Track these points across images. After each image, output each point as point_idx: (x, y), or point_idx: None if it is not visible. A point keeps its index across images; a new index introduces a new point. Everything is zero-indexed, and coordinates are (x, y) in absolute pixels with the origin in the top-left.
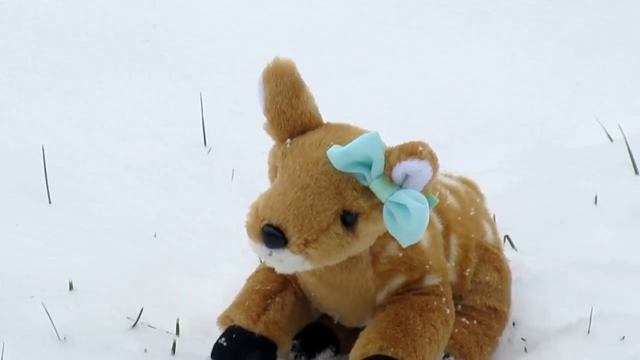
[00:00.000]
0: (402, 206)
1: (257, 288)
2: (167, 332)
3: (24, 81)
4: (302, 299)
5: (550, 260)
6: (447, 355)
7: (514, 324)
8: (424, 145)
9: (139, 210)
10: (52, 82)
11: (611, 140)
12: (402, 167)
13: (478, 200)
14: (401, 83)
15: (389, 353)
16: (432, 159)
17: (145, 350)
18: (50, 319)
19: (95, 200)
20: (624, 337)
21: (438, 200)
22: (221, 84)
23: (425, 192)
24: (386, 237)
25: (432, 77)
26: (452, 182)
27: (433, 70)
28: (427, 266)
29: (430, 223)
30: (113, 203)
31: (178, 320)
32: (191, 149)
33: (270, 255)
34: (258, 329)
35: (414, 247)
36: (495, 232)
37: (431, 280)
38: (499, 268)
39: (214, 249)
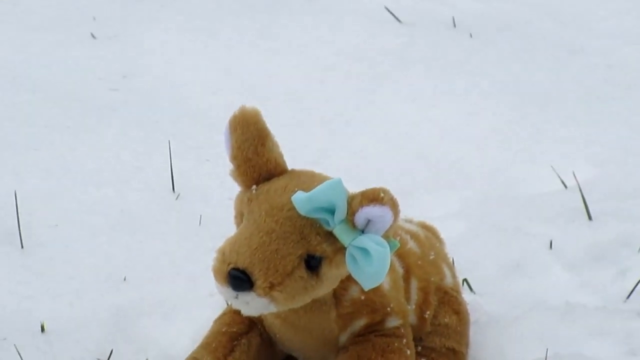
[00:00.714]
0: (364, 250)
1: (223, 330)
2: None
3: None
4: (268, 340)
5: (507, 303)
6: None
7: None
8: (385, 191)
9: (109, 255)
10: (24, 130)
11: (565, 187)
12: (364, 213)
13: (438, 244)
14: (365, 132)
15: None
16: (393, 205)
17: None
18: None
19: (67, 245)
20: None
21: (399, 245)
22: (189, 132)
23: (386, 236)
24: (349, 280)
25: (395, 127)
26: (413, 227)
27: (396, 120)
28: (388, 309)
29: (391, 267)
30: (84, 248)
31: None
32: (160, 195)
33: (236, 298)
34: None
35: (376, 290)
36: (454, 276)
37: (392, 322)
38: (458, 310)
39: (182, 292)
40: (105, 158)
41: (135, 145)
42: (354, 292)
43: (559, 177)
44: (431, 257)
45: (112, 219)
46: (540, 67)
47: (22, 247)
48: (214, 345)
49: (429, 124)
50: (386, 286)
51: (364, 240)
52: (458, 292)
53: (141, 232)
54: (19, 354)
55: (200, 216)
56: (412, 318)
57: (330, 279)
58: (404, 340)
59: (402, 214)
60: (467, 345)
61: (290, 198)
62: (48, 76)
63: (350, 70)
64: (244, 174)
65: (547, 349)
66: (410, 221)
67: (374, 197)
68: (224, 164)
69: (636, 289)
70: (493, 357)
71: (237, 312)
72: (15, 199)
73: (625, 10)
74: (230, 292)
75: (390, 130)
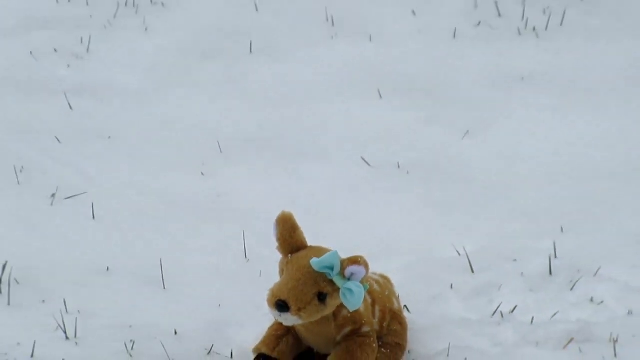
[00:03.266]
0: (350, 290)
1: (273, 333)
2: (226, 357)
3: (138, 224)
4: (297, 339)
5: (429, 319)
6: None
7: (409, 352)
8: (361, 257)
9: (212, 292)
10: (164, 227)
11: (459, 254)
12: (350, 269)
13: (390, 286)
14: (349, 224)
15: None
16: (366, 265)
17: None
18: (165, 349)
19: (189, 286)
20: None
21: (369, 287)
22: (254, 225)
23: (362, 282)
24: (341, 306)
25: (364, 221)
26: (376, 277)
27: (366, 218)
28: (363, 321)
29: (365, 299)
30: (198, 287)
31: (232, 350)
32: (238, 260)
33: (279, 316)
34: (274, 354)
35: (356, 311)
36: (399, 303)
37: (365, 329)
38: (401, 322)
39: (250, 312)
40: (209, 240)
41: (226, 233)
42: (344, 312)
43: (456, 249)
44: (386, 293)
45: (212, 273)
46: (445, 189)
47: (164, 287)
48: (267, 341)
49: (384, 219)
50: (362, 309)
51: (350, 285)
52: (401, 312)
53: (229, 281)
54: (163, 346)
55: (260, 271)
56: (376, 327)
57: (331, 305)
58: (372, 339)
59: (371, 270)
60: (406, 341)
61: (309, 261)
62: (173, 196)
63: (340, 193)
64: (283, 249)
65: (449, 343)
66: (375, 273)
67: (355, 260)
68: (273, 244)
69: (497, 311)
70: (420, 347)
71: (280, 323)
72: (161, 262)
73: (496, 153)
74: (276, 313)
75: (362, 223)
